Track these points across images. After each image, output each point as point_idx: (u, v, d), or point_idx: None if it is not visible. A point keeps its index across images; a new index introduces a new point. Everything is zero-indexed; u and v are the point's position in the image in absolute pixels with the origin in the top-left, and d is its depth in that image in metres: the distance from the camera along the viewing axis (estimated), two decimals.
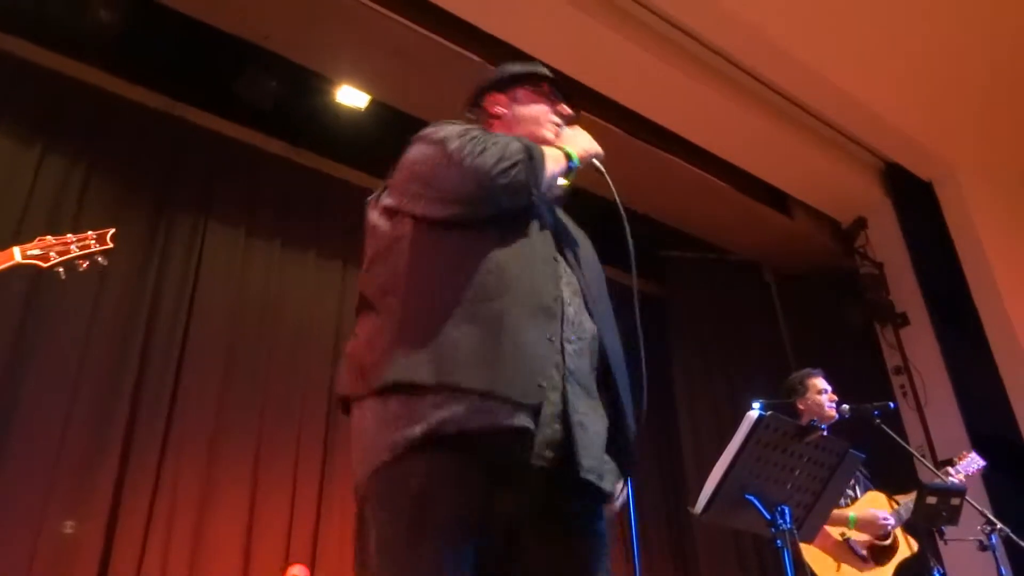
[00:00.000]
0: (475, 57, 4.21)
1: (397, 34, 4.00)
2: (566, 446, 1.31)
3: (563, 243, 1.54)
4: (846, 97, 4.76)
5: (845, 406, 3.11)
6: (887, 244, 5.46)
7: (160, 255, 4.15)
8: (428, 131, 1.50)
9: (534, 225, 1.48)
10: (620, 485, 1.48)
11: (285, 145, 4.73)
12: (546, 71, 1.73)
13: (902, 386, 5.25)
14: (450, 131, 1.46)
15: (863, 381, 5.31)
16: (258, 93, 4.28)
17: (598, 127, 4.60)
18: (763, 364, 5.51)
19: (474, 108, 1.72)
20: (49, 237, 1.78)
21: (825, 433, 1.88)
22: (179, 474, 3.79)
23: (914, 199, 5.35)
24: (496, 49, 4.19)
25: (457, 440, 1.24)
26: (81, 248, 1.77)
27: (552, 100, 1.69)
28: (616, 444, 1.42)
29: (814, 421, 1.87)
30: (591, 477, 1.32)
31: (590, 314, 1.46)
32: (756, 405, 1.91)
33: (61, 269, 1.75)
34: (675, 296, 5.80)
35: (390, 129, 4.29)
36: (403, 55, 4.14)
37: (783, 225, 5.53)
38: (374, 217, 1.51)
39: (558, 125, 1.65)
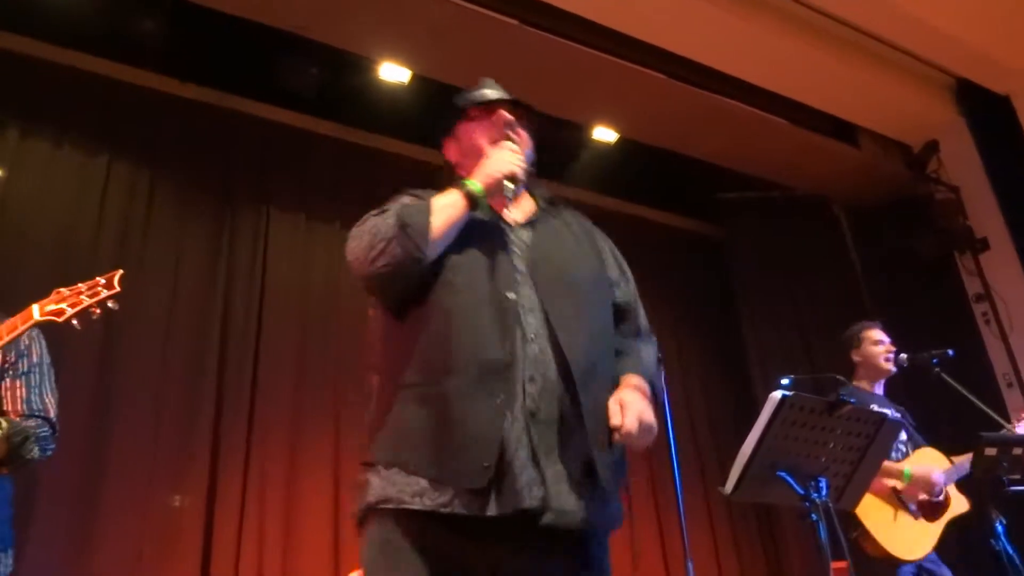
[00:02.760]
0: (511, 20, 4.17)
1: (429, 6, 3.99)
2: (542, 495, 1.37)
3: (524, 252, 1.57)
4: (904, 15, 4.45)
5: (903, 356, 3.03)
6: (962, 166, 5.16)
7: (228, 245, 4.34)
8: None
9: (474, 264, 1.51)
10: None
11: (335, 126, 4.82)
12: (471, 96, 1.73)
13: (984, 314, 5.04)
14: (355, 230, 1.56)
15: (943, 312, 5.13)
16: (302, 80, 4.40)
17: (638, 74, 4.50)
18: (836, 302, 5.36)
19: (445, 165, 1.78)
20: (63, 289, 1.82)
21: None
22: (266, 448, 4.02)
23: (990, 115, 5.00)
24: (528, 6, 4.12)
25: (406, 513, 1.38)
26: (92, 296, 1.80)
27: (486, 117, 1.70)
28: (589, 463, 1.42)
29: (849, 397, 1.83)
30: (561, 522, 1.37)
31: (554, 329, 1.46)
32: (785, 381, 1.90)
33: (75, 321, 1.79)
34: (737, 238, 5.67)
35: (434, 100, 4.33)
36: (438, 26, 4.13)
37: (849, 156, 5.27)
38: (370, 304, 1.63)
39: (498, 142, 1.65)
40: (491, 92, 1.74)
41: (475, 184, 1.56)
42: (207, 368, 4.04)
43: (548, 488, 1.36)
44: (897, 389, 3.25)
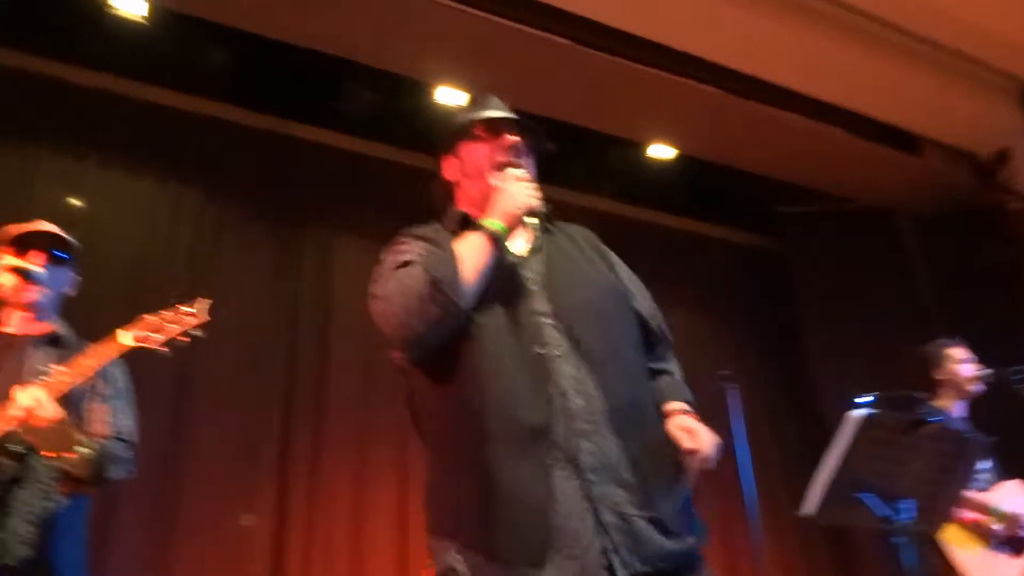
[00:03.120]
0: (563, 40, 4.19)
1: (481, 28, 4.04)
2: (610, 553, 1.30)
3: (541, 287, 1.50)
4: (967, 22, 4.35)
5: (987, 372, 2.92)
6: None
7: (294, 269, 4.44)
8: (372, 287, 1.54)
9: (498, 317, 1.44)
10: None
11: (394, 150, 4.88)
12: (478, 114, 1.66)
13: None
14: (375, 289, 1.51)
15: (1016, 328, 4.93)
16: (362, 106, 4.54)
17: (694, 89, 4.47)
18: (901, 317, 5.20)
19: (439, 182, 1.71)
20: (148, 316, 1.84)
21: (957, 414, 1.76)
22: (334, 469, 4.07)
23: None
24: (576, 24, 4.13)
25: None
26: (176, 322, 1.83)
27: (492, 138, 1.63)
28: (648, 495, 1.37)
29: (931, 416, 1.78)
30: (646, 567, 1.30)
31: (593, 374, 1.41)
32: (865, 399, 1.86)
33: (165, 348, 1.82)
34: (798, 252, 5.55)
35: None
36: (491, 48, 4.19)
37: (912, 166, 5.15)
38: (397, 364, 1.56)
39: (503, 168, 1.58)
40: (496, 112, 1.67)
41: (497, 223, 1.48)
42: (275, 390, 4.12)
43: (619, 543, 1.29)
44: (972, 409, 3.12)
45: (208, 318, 1.86)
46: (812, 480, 1.86)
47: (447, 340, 1.43)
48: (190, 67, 4.28)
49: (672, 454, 1.43)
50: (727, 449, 3.35)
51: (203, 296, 1.99)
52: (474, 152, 1.64)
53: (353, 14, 3.96)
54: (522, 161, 1.62)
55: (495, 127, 1.64)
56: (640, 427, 1.42)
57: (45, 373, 1.81)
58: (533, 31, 4.12)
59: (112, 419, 2.03)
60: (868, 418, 1.73)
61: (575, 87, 4.45)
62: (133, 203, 4.17)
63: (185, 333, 1.82)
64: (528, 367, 1.39)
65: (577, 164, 4.74)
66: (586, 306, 1.49)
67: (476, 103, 1.73)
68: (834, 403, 4.88)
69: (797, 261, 5.56)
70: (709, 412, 1.67)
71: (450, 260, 1.43)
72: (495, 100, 1.72)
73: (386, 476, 4.17)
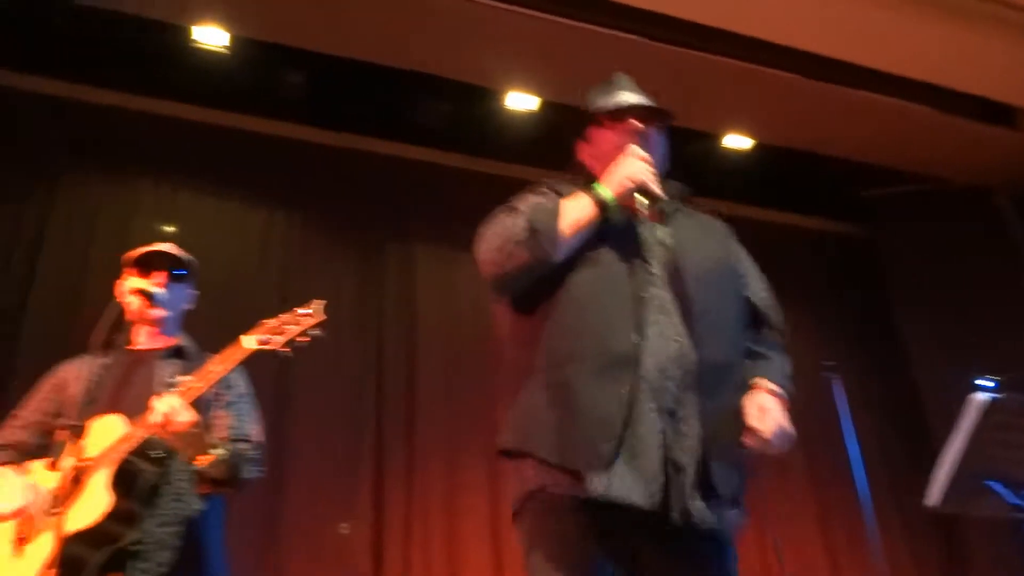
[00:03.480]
0: (631, 36, 4.16)
1: (548, 32, 4.04)
2: (666, 491, 1.37)
3: (661, 253, 1.57)
4: None
5: None
6: None
7: (379, 281, 4.55)
8: (481, 228, 1.66)
9: (609, 261, 1.53)
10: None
11: (469, 158, 4.95)
12: (605, 102, 1.72)
13: None
14: (481, 229, 1.62)
15: None
16: (434, 116, 4.62)
17: (771, 76, 4.37)
18: (1005, 299, 4.94)
19: (575, 164, 1.80)
20: (268, 320, 1.90)
21: None
22: (427, 476, 4.16)
23: None
24: (643, 18, 4.07)
25: (553, 500, 1.40)
26: (295, 324, 1.87)
27: (617, 125, 1.69)
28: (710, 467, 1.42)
29: None
30: (682, 521, 1.38)
31: (692, 330, 1.47)
32: (986, 382, 1.78)
33: (287, 349, 1.87)
34: (890, 237, 5.36)
35: (567, 123, 4.39)
36: (559, 50, 4.19)
37: (1009, 140, 4.90)
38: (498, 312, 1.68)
39: (626, 149, 1.64)
40: (623, 96, 1.74)
41: (606, 191, 1.58)
42: (366, 402, 4.23)
43: (675, 488, 1.37)
44: None
45: (325, 317, 1.90)
46: (933, 470, 1.79)
47: (545, 279, 1.53)
48: (270, 92, 4.45)
49: (740, 425, 1.47)
50: (832, 441, 3.27)
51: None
52: (601, 136, 1.73)
53: (420, 27, 4.02)
54: (646, 144, 1.67)
55: (620, 115, 1.70)
56: (722, 390, 1.48)
57: (173, 384, 1.91)
58: (600, 29, 4.10)
59: (237, 423, 2.12)
60: (993, 402, 1.66)
61: (646, 83, 4.39)
62: (223, 227, 4.34)
63: (304, 333, 1.86)
64: (631, 307, 1.48)
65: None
66: (700, 276, 1.56)
67: (607, 86, 1.79)
68: (935, 389, 4.71)
69: (889, 245, 5.37)
70: (810, 405, 1.66)
71: (552, 212, 1.54)
72: (624, 82, 1.80)
73: (477, 482, 4.22)
